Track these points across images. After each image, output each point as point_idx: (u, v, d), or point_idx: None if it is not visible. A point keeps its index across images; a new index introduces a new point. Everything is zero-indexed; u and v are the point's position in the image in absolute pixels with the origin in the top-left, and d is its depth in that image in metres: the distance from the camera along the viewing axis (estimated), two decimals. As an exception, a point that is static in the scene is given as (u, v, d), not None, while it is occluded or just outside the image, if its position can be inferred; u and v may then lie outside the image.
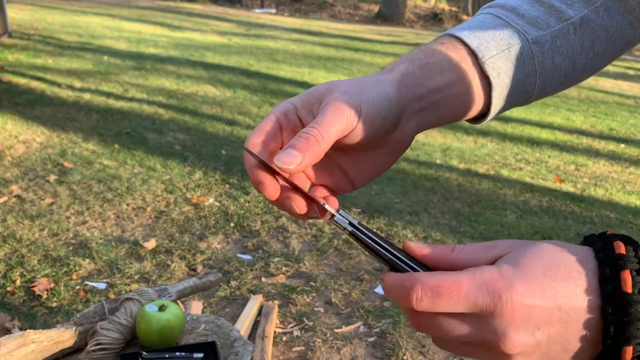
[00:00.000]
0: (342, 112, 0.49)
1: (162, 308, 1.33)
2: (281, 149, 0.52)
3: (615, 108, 7.47)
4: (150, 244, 2.93)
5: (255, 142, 0.52)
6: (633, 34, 0.67)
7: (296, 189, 0.51)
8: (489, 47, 0.59)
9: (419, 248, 0.48)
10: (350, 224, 0.50)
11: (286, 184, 0.52)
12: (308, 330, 2.38)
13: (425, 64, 0.57)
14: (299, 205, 0.51)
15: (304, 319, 2.45)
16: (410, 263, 0.48)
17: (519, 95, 0.64)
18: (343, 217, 0.50)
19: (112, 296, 2.48)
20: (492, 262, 0.45)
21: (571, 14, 0.63)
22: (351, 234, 0.50)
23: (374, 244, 0.49)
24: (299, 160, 0.48)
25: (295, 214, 0.53)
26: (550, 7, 0.64)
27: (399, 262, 0.48)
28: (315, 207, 0.52)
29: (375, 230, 0.53)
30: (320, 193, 0.55)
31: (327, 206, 0.51)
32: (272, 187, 0.50)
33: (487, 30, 0.61)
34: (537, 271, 0.43)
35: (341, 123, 0.49)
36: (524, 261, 0.43)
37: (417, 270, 0.48)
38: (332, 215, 0.51)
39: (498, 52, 0.60)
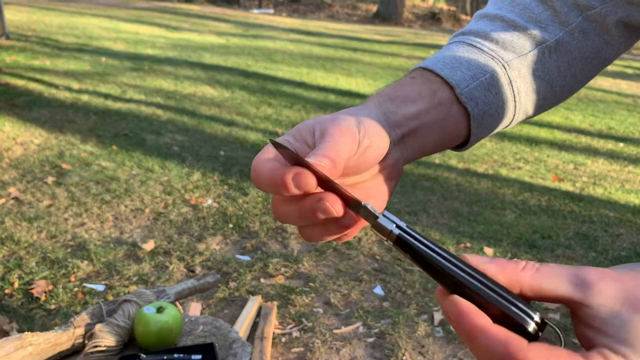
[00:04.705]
0: (346, 132, 0.47)
1: (160, 310, 1.32)
2: None
3: (613, 107, 7.48)
4: (149, 246, 2.93)
5: (267, 156, 0.46)
6: (609, 52, 0.67)
7: (326, 185, 0.44)
8: (464, 78, 0.59)
9: (482, 263, 0.40)
10: (398, 226, 0.42)
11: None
12: (307, 331, 2.38)
13: (395, 97, 0.57)
14: (334, 204, 0.44)
15: (303, 319, 2.45)
16: (479, 278, 0.39)
17: (500, 120, 0.64)
18: (388, 218, 0.43)
19: (111, 298, 2.47)
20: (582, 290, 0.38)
21: (546, 37, 0.63)
22: (397, 240, 0.41)
23: (430, 253, 0.40)
24: (329, 162, 0.43)
25: (322, 229, 0.47)
26: (524, 31, 0.63)
27: (466, 277, 0.39)
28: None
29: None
30: None
31: (369, 206, 0.43)
32: (310, 177, 0.43)
33: (461, 59, 0.61)
34: None
35: (347, 141, 0.46)
36: None
37: (488, 287, 0.38)
38: (376, 217, 0.43)
39: (474, 82, 0.59)
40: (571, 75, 0.66)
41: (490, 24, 0.65)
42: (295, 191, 0.43)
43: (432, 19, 18.01)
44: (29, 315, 2.34)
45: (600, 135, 6.03)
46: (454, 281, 0.39)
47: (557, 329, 0.39)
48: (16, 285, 2.52)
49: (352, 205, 0.44)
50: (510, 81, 0.62)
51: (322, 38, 12.22)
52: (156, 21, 12.55)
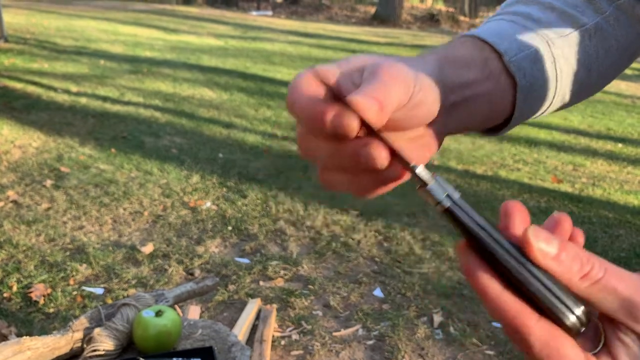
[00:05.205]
0: (400, 78, 0.40)
1: (159, 313, 1.32)
2: None
3: (612, 108, 7.48)
4: (148, 249, 2.92)
5: (311, 79, 0.40)
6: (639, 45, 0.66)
7: (372, 134, 0.38)
8: (512, 48, 0.56)
9: (545, 258, 0.36)
10: (449, 196, 0.38)
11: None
12: (306, 334, 2.37)
13: (452, 58, 0.52)
14: (381, 154, 0.38)
15: (303, 322, 2.44)
16: (528, 267, 0.36)
17: (541, 100, 0.61)
18: (440, 185, 0.38)
19: (110, 301, 2.47)
20: None
21: (585, 21, 0.61)
22: (447, 211, 0.38)
23: (481, 232, 0.37)
24: (376, 105, 0.37)
25: (352, 178, 0.42)
26: (563, 14, 0.62)
27: (514, 264, 0.36)
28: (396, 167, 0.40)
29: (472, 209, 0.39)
30: None
31: (419, 169, 0.38)
32: (353, 120, 0.37)
33: (506, 31, 0.58)
34: None
35: (399, 90, 0.40)
36: None
37: (535, 276, 0.36)
38: (424, 184, 0.38)
39: (521, 53, 0.56)
40: (608, 64, 0.64)
41: (525, 6, 0.63)
42: (331, 132, 0.38)
43: (430, 20, 18.03)
44: (27, 319, 2.33)
45: (599, 136, 6.03)
46: (501, 265, 0.37)
47: (601, 327, 0.37)
48: (15, 288, 2.51)
49: (399, 160, 0.39)
50: (554, 59, 0.59)
51: (321, 40, 12.23)
52: (154, 23, 12.56)
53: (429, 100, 0.44)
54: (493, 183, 4.32)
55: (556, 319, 0.36)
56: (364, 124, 0.38)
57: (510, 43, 0.56)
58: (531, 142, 5.50)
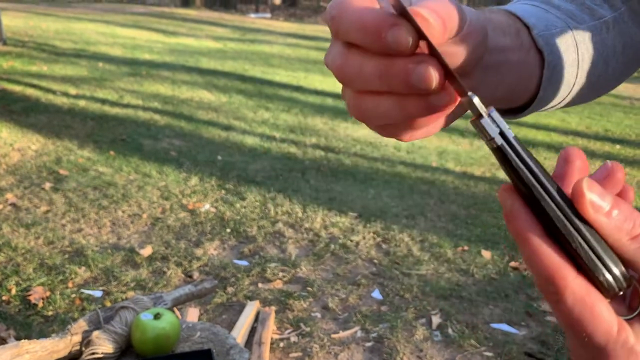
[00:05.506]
0: (452, 8, 0.36)
1: (157, 316, 1.32)
2: None
3: (610, 109, 7.50)
4: (146, 251, 2.93)
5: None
6: None
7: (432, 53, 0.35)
8: (539, 24, 0.54)
9: (596, 212, 0.34)
10: (502, 134, 0.35)
11: None
12: (305, 336, 2.38)
13: (490, 19, 0.48)
14: (436, 74, 0.34)
15: (301, 324, 2.45)
16: (575, 222, 0.34)
17: (562, 84, 0.59)
18: (494, 120, 0.35)
19: (109, 304, 2.47)
20: None
21: (604, 13, 0.61)
22: (498, 149, 0.35)
23: (531, 176, 0.35)
24: (440, 21, 0.34)
25: (396, 102, 0.37)
26: (582, 5, 0.61)
27: (560, 216, 0.34)
28: (450, 92, 0.36)
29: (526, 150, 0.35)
30: None
31: (475, 99, 0.35)
32: (411, 35, 0.34)
33: (530, 10, 0.57)
34: None
35: (454, 16, 0.36)
36: None
37: (580, 231, 0.34)
38: (479, 116, 0.35)
39: (548, 31, 0.55)
40: (623, 61, 0.63)
41: None
42: (387, 45, 0.34)
43: (428, 22, 18.06)
44: (26, 322, 2.33)
45: (597, 137, 6.05)
46: (545, 214, 0.35)
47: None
48: (13, 291, 2.51)
49: (455, 85, 0.36)
50: (577, 44, 0.58)
51: (320, 42, 12.24)
52: (153, 26, 12.57)
53: (476, 40, 0.39)
54: (491, 184, 4.33)
55: (593, 277, 0.34)
56: (421, 40, 0.34)
57: (537, 20, 0.55)
58: (529, 144, 5.51)
